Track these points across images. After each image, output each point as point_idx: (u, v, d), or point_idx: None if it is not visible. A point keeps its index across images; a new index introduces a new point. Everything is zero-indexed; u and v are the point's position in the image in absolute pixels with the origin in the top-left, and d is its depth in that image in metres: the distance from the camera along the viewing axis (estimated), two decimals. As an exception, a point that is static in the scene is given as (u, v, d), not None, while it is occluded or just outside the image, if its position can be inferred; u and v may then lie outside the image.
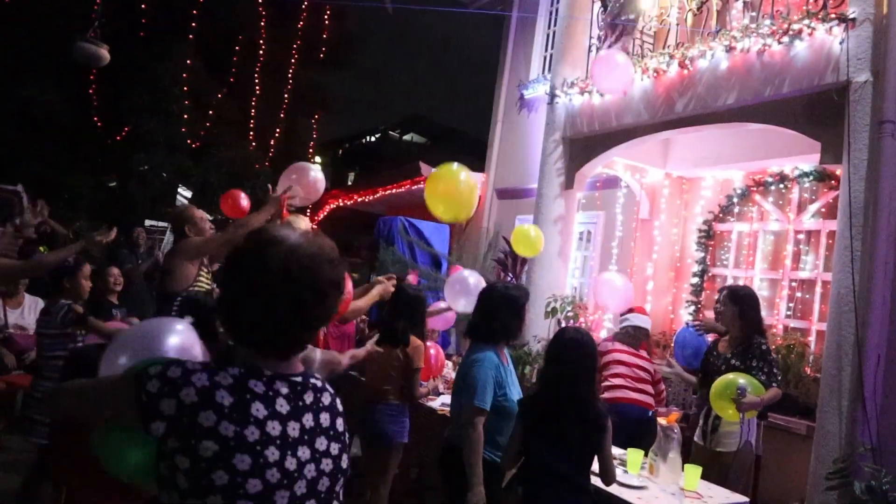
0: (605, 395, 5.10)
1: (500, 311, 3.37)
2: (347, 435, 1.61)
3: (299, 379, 1.51)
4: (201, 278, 4.31)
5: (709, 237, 7.48)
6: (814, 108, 4.85)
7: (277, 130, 14.85)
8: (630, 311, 5.67)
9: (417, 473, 5.45)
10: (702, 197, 7.65)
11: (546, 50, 10.10)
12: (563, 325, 6.38)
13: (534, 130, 9.21)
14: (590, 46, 7.10)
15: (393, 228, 9.51)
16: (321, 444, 1.50)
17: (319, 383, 1.57)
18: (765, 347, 4.30)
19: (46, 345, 4.46)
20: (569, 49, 7.38)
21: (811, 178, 6.48)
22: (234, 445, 1.35)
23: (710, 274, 7.43)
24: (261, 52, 14.38)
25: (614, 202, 8.24)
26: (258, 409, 1.40)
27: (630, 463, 3.68)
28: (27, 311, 5.88)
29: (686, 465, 3.57)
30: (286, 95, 14.70)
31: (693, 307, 7.41)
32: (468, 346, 3.64)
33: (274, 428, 1.41)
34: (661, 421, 3.69)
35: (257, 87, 14.51)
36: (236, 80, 14.37)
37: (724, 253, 7.33)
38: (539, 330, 6.68)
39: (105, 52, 8.61)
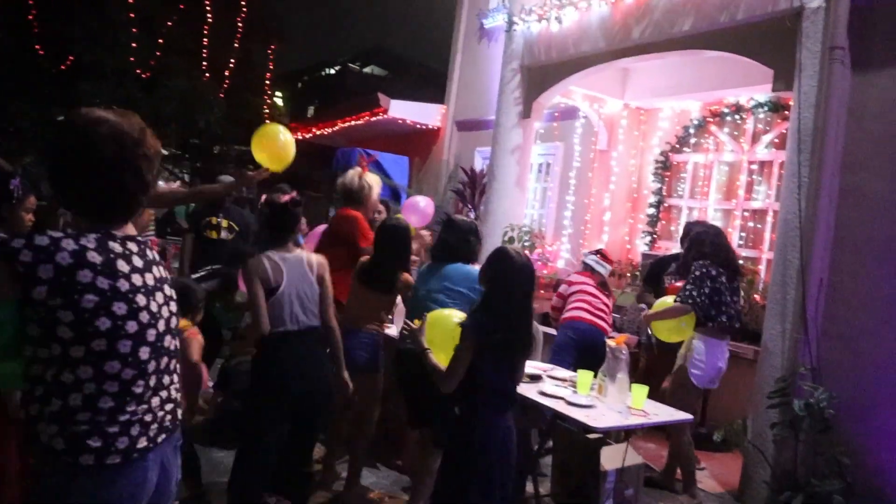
0: (566, 314, 5.33)
1: (463, 236, 3.75)
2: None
3: (141, 238, 1.77)
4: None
5: (665, 168, 7.54)
6: (767, 35, 4.84)
7: (231, 61, 14.35)
8: (598, 252, 5.74)
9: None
10: (659, 128, 7.67)
11: (507, -23, 9.85)
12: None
13: (494, 61, 9.03)
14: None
15: (352, 160, 9.31)
16: (167, 290, 1.80)
17: (148, 241, 1.83)
18: (698, 273, 4.42)
19: None
20: (528, -26, 7.20)
21: (766, 108, 6.53)
22: (110, 296, 1.59)
23: (666, 205, 7.53)
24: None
25: (572, 133, 8.22)
26: (122, 266, 1.65)
27: (580, 384, 3.77)
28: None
29: (633, 385, 3.67)
30: (239, 24, 14.15)
31: (649, 237, 7.53)
32: (425, 267, 3.88)
33: (137, 279, 1.67)
34: (610, 343, 3.77)
35: (209, 15, 13.93)
36: (187, 7, 13.77)
37: (680, 184, 7.41)
38: (497, 260, 6.73)
39: None
